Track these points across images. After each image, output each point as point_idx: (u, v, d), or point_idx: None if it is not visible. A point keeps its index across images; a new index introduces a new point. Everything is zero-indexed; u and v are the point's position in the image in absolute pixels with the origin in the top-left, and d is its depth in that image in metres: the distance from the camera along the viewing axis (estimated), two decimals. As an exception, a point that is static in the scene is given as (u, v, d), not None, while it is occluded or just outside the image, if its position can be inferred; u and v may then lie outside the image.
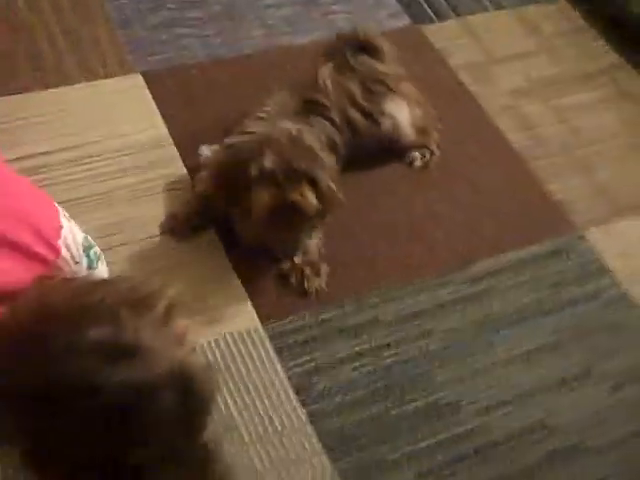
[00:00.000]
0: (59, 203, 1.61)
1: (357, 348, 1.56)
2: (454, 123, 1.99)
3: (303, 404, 1.46)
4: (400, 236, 1.75)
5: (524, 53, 2.23)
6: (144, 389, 0.88)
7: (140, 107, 1.87)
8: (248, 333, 1.54)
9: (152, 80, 1.93)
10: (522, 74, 2.16)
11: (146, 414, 0.89)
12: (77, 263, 1.18)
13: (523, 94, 2.11)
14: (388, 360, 1.55)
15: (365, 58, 1.83)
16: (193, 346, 1.01)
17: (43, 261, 1.12)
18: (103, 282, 1.09)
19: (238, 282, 1.61)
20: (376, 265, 1.69)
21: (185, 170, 1.77)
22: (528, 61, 2.20)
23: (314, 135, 1.62)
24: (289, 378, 1.49)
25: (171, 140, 1.82)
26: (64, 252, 1.16)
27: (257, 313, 1.57)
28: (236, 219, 1.60)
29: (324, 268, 1.65)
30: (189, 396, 0.91)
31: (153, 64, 1.98)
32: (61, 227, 1.17)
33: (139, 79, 1.93)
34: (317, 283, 1.62)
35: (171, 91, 1.92)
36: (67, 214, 1.21)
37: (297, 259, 1.64)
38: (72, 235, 1.19)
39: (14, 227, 1.09)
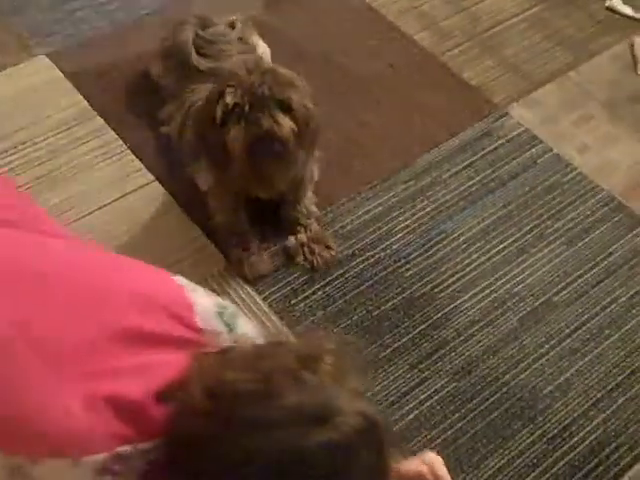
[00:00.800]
0: (2, 196, 1.63)
1: (325, 264, 1.62)
2: (363, 37, 2.05)
3: (288, 326, 1.52)
4: (336, 152, 1.79)
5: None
6: (346, 449, 0.85)
7: (55, 87, 1.87)
8: (220, 274, 1.58)
9: (59, 59, 1.93)
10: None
11: (350, 474, 0.86)
12: (220, 333, 1.04)
13: (419, -7, 2.16)
14: (357, 268, 1.61)
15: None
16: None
17: (190, 344, 0.99)
18: (268, 345, 1.00)
19: (197, 228, 1.64)
20: (322, 184, 1.74)
21: (116, 136, 1.78)
22: (416, -38, 2.25)
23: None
24: (270, 305, 1.54)
25: (94, 112, 1.82)
26: (205, 327, 1.01)
27: (224, 254, 1.61)
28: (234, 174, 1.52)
29: (331, 239, 1.63)
30: (381, 447, 0.88)
31: (56, 44, 1.96)
32: (193, 304, 1.02)
33: (46, 61, 1.92)
34: (328, 256, 1.60)
35: (81, 65, 1.92)
36: (191, 285, 1.06)
37: (302, 237, 1.61)
38: (202, 306, 1.04)
39: (154, 318, 0.97)
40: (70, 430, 0.89)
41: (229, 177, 1.53)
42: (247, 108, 1.42)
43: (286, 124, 1.43)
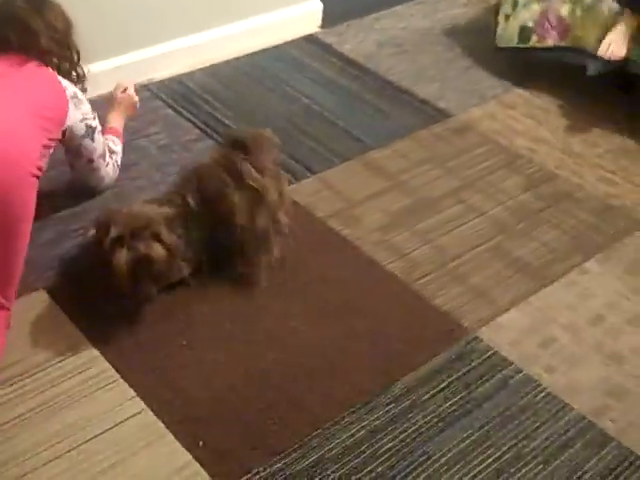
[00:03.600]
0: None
1: (314, 489, 1.67)
2: (336, 266, 2.21)
3: None
4: (316, 375, 1.89)
5: (378, 192, 2.50)
6: None
7: (51, 320, 1.97)
8: (212, 501, 1.62)
9: (56, 293, 2.04)
10: (382, 210, 2.43)
11: None
12: None
13: (389, 227, 2.36)
14: (344, 492, 1.67)
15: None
16: None
17: None
18: None
19: (187, 454, 1.69)
20: (305, 409, 1.82)
21: (109, 365, 1.86)
22: (383, 198, 2.47)
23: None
24: (261, 532, 1.57)
25: (89, 342, 1.92)
26: None
27: (214, 481, 1.65)
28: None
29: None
30: None
31: (53, 278, 2.09)
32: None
33: (44, 295, 2.04)
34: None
35: (76, 299, 2.03)
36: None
37: None
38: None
39: None
40: None
41: None
42: (128, 239, 1.91)
43: (160, 250, 1.94)
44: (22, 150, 1.92)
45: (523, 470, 1.73)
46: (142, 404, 1.79)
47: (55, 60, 2.18)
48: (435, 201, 2.48)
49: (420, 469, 1.72)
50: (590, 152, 2.74)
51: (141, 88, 2.79)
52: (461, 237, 2.35)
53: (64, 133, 2.13)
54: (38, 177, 1.96)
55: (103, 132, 2.32)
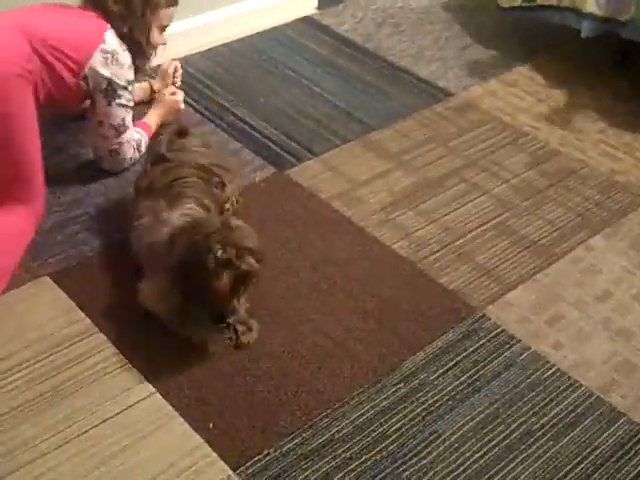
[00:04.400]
0: (6, 413, 1.69)
1: (324, 468, 1.66)
2: (341, 247, 2.20)
3: (293, 533, 1.54)
4: (326, 357, 1.89)
5: (381, 173, 2.49)
6: None
7: (57, 305, 1.96)
8: (223, 483, 1.62)
9: (60, 279, 2.03)
10: (385, 191, 2.41)
11: None
12: None
13: (393, 207, 2.35)
14: (355, 471, 1.66)
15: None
16: None
17: None
18: None
19: (198, 437, 1.69)
20: (315, 389, 1.82)
21: (116, 350, 1.86)
22: (387, 178, 2.46)
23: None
24: (274, 513, 1.57)
25: (95, 328, 1.91)
26: None
27: (226, 463, 1.65)
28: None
29: (255, 324, 1.92)
30: None
31: (57, 264, 2.08)
32: None
33: (48, 281, 2.03)
34: (250, 337, 1.91)
35: (81, 284, 2.03)
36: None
37: (230, 319, 1.90)
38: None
39: None
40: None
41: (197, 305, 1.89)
42: (234, 260, 1.79)
43: (255, 264, 1.83)
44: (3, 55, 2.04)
45: (533, 447, 1.72)
46: (151, 388, 1.78)
47: (125, 29, 2.27)
48: (438, 180, 2.47)
49: (430, 447, 1.72)
50: (593, 128, 2.73)
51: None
52: (466, 216, 2.34)
53: (86, 80, 2.21)
54: (29, 79, 2.08)
55: (135, 124, 2.40)
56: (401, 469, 1.67)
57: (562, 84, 2.95)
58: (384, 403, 1.80)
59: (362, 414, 1.77)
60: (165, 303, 1.88)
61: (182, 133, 2.23)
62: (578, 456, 1.71)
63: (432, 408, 1.80)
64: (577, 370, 1.89)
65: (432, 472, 1.67)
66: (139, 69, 2.37)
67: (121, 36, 2.27)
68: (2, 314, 1.94)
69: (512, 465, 1.69)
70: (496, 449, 1.72)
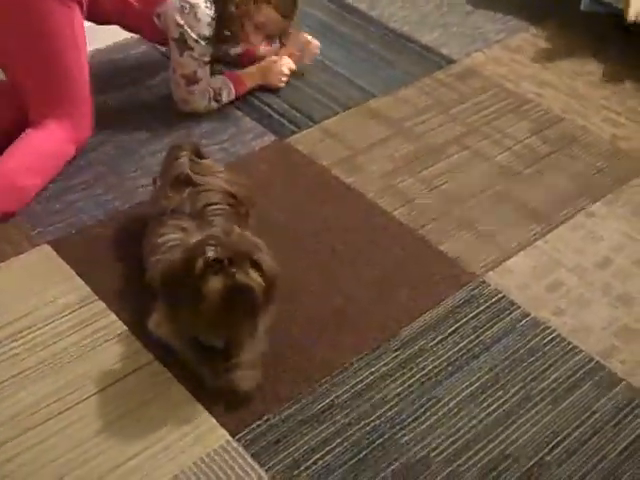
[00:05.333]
0: (6, 380, 1.70)
1: (324, 434, 1.67)
2: (341, 214, 2.20)
3: (292, 497, 1.55)
4: (324, 324, 1.89)
5: (381, 139, 2.47)
6: None
7: (57, 273, 1.97)
8: (223, 449, 1.62)
9: (60, 247, 2.04)
10: (386, 158, 2.40)
11: None
12: None
13: (393, 174, 2.34)
14: (354, 437, 1.67)
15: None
16: None
17: None
18: None
19: (197, 404, 1.70)
20: (314, 355, 1.82)
21: (116, 317, 1.87)
22: (387, 145, 2.45)
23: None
24: (273, 478, 1.58)
25: (95, 296, 1.91)
26: None
27: (224, 428, 1.66)
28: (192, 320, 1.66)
29: (257, 375, 1.73)
30: None
31: (56, 232, 2.08)
32: None
33: (48, 249, 2.03)
34: (247, 385, 1.70)
35: (81, 252, 2.03)
36: None
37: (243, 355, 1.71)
38: None
39: None
40: None
41: (187, 321, 1.68)
42: (226, 263, 1.58)
43: (258, 279, 1.60)
44: None
45: (532, 411, 1.73)
46: (150, 355, 1.79)
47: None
48: (440, 147, 2.46)
49: (429, 413, 1.72)
50: (596, 94, 2.70)
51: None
52: (467, 183, 2.33)
53: (159, 18, 2.29)
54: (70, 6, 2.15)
55: (226, 73, 2.51)
56: (400, 434, 1.68)
57: (567, 51, 2.92)
58: (383, 369, 1.81)
59: (361, 380, 1.78)
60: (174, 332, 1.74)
61: (200, 154, 2.04)
62: (577, 420, 1.71)
63: (431, 374, 1.80)
64: (577, 336, 1.89)
65: (431, 437, 1.67)
66: (224, 42, 2.40)
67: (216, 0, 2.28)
68: (2, 282, 1.94)
69: (511, 429, 1.69)
70: (495, 414, 1.72)
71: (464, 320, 1.92)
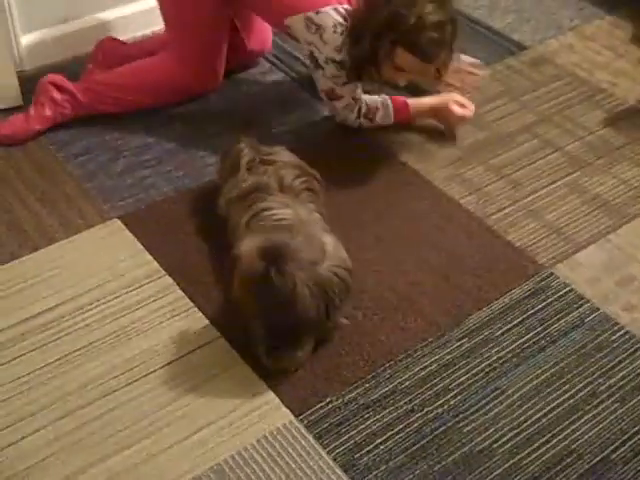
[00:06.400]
0: (77, 350, 1.74)
1: (386, 419, 1.67)
2: (408, 200, 2.18)
3: (353, 480, 1.56)
4: (391, 310, 1.89)
5: (451, 127, 2.45)
6: None
7: (127, 248, 2.00)
8: (286, 428, 1.63)
9: (130, 222, 2.07)
10: (454, 145, 2.37)
11: None
12: None
13: (462, 162, 2.31)
14: (416, 423, 1.66)
15: None
16: None
17: None
18: None
19: (262, 383, 1.71)
20: (378, 341, 1.82)
21: (183, 294, 1.89)
22: (456, 132, 2.42)
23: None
24: (334, 459, 1.59)
25: (163, 271, 1.94)
26: None
27: (288, 408, 1.67)
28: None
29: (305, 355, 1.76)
30: None
31: (127, 207, 2.11)
32: None
33: (118, 223, 2.06)
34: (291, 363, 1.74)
35: (150, 228, 2.06)
36: None
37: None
38: None
39: None
40: None
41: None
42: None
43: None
44: None
45: (599, 408, 1.70)
46: (216, 332, 1.81)
47: (359, 31, 2.11)
48: (510, 136, 2.42)
49: (492, 404, 1.71)
50: (674, 86, 2.63)
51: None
52: (537, 172, 2.29)
53: (290, 30, 2.23)
54: None
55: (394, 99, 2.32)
56: (462, 424, 1.66)
57: (643, 39, 2.84)
58: (447, 357, 1.79)
59: (425, 367, 1.77)
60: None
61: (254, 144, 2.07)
62: (645, 419, 1.69)
63: (496, 364, 1.78)
64: (647, 333, 1.86)
65: (493, 428, 1.66)
66: (369, 78, 2.21)
67: (353, 29, 2.12)
68: (74, 255, 1.98)
69: (576, 425, 1.67)
70: (560, 408, 1.70)
71: (531, 312, 1.89)
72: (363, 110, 2.29)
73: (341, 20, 2.13)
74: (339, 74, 2.18)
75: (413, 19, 2.02)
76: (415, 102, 2.36)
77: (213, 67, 2.40)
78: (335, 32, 2.12)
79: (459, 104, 2.35)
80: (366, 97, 2.30)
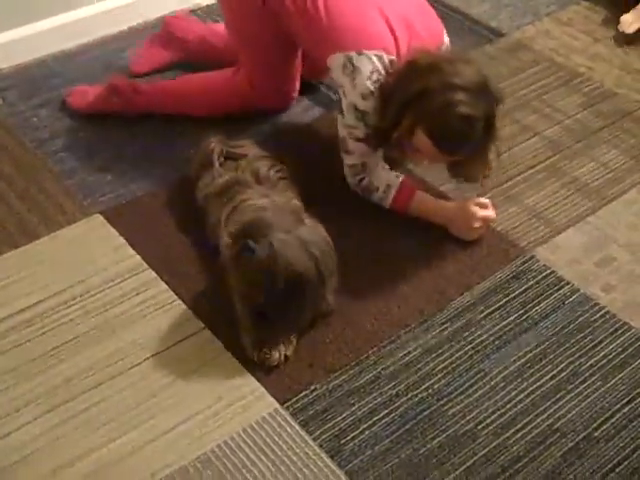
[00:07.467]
0: (61, 345, 1.74)
1: (371, 404, 1.68)
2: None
3: (340, 466, 1.57)
4: (371, 295, 1.90)
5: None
6: None
7: (109, 242, 2.00)
8: (271, 416, 1.65)
9: (111, 217, 2.07)
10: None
11: None
12: None
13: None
14: (401, 408, 1.68)
15: None
16: None
17: None
18: None
19: (246, 373, 1.72)
20: (363, 327, 1.83)
21: (166, 286, 1.90)
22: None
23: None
24: (320, 446, 1.60)
25: (145, 265, 1.94)
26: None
27: (273, 397, 1.68)
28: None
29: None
30: None
31: (108, 202, 2.12)
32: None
33: (99, 218, 2.07)
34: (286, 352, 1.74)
35: (131, 222, 2.06)
36: None
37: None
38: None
39: None
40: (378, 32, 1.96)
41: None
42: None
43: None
44: None
45: (581, 387, 1.72)
46: (200, 324, 1.81)
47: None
48: (489, 122, 2.43)
49: (476, 386, 1.72)
50: (650, 69, 2.65)
51: (188, 13, 2.75)
52: (516, 157, 2.30)
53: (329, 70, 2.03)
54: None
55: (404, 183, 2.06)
56: (447, 406, 1.68)
57: (619, 24, 2.85)
58: (431, 342, 1.81)
59: (408, 352, 1.78)
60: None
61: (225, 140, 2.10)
62: (627, 396, 1.70)
63: (479, 347, 1.80)
64: (627, 312, 1.87)
65: (478, 410, 1.68)
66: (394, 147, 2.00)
67: (386, 87, 1.92)
68: (56, 250, 1.98)
69: (559, 404, 1.69)
70: (543, 388, 1.72)
71: (512, 295, 1.91)
72: (364, 183, 2.06)
73: (381, 69, 1.91)
74: (356, 125, 1.96)
75: (440, 103, 1.82)
76: (430, 200, 2.09)
77: (287, 91, 2.37)
78: (369, 79, 1.90)
79: (477, 204, 2.04)
80: (381, 172, 2.06)
